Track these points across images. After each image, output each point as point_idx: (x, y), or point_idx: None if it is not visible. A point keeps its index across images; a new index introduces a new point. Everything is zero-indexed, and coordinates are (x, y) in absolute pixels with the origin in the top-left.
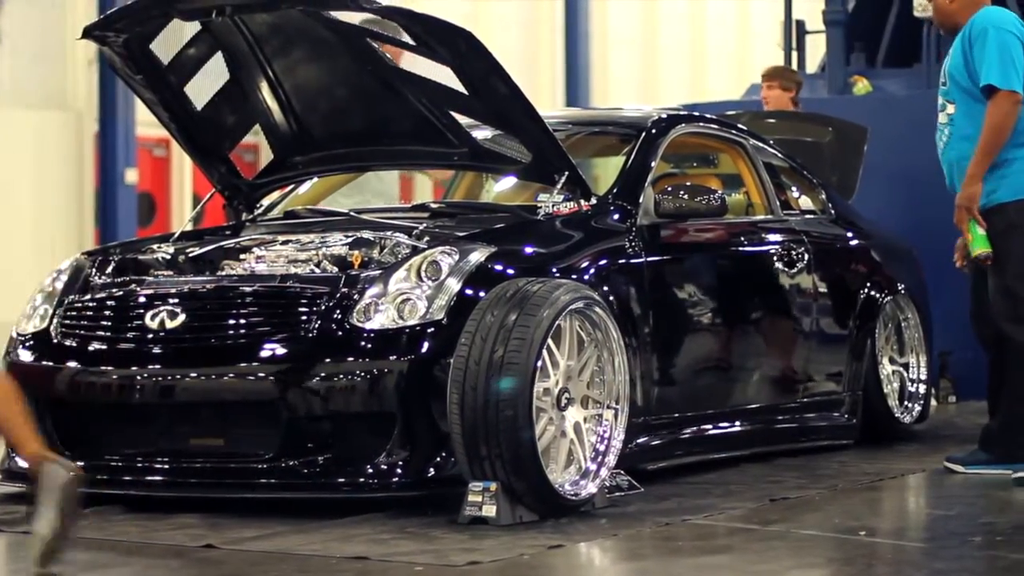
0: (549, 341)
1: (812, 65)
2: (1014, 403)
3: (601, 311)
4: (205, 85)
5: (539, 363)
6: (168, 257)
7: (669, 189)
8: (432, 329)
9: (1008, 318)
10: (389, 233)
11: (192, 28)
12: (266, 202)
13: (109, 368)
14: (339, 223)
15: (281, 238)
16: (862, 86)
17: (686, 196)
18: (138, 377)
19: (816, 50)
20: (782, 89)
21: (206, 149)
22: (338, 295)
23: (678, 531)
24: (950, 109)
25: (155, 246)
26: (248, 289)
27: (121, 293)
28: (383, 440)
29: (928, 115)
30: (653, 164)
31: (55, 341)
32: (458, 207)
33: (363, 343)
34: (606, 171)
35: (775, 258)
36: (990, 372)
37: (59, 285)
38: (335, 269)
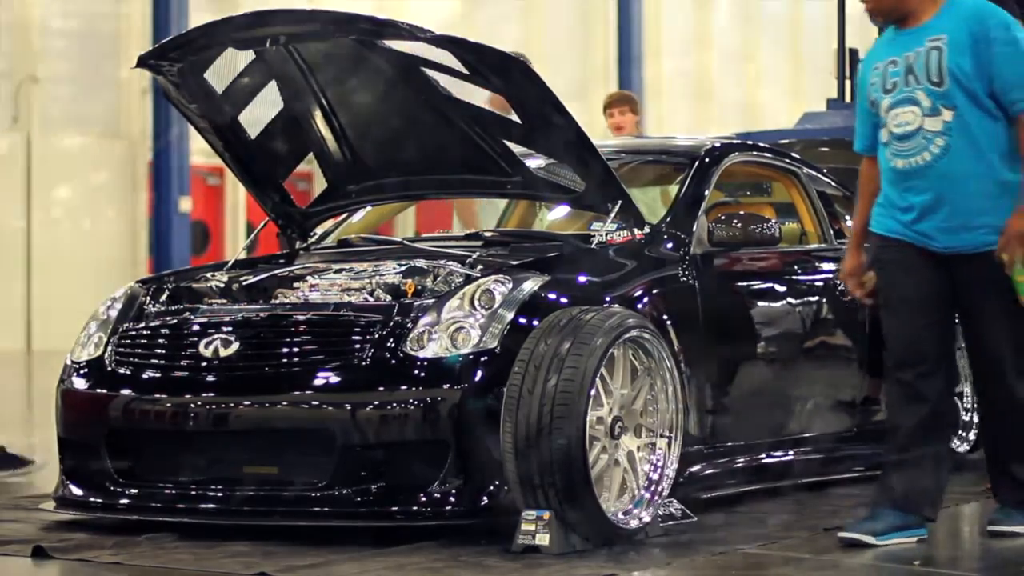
0: (602, 370)
1: None
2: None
3: (654, 339)
4: (259, 114)
5: (592, 392)
6: (222, 285)
7: (723, 218)
8: (485, 358)
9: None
10: (442, 262)
11: (246, 57)
12: (319, 230)
13: (163, 396)
14: (392, 252)
15: (335, 266)
16: None
17: (739, 225)
18: (192, 405)
19: None
20: (632, 113)
21: (260, 178)
22: (391, 323)
23: (732, 560)
24: (947, 115)
25: (209, 274)
26: (302, 317)
27: (175, 321)
28: (436, 468)
29: None
30: (706, 193)
31: (109, 369)
32: (511, 236)
33: (416, 371)
34: (659, 200)
35: (829, 287)
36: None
37: (113, 313)
38: (388, 298)
